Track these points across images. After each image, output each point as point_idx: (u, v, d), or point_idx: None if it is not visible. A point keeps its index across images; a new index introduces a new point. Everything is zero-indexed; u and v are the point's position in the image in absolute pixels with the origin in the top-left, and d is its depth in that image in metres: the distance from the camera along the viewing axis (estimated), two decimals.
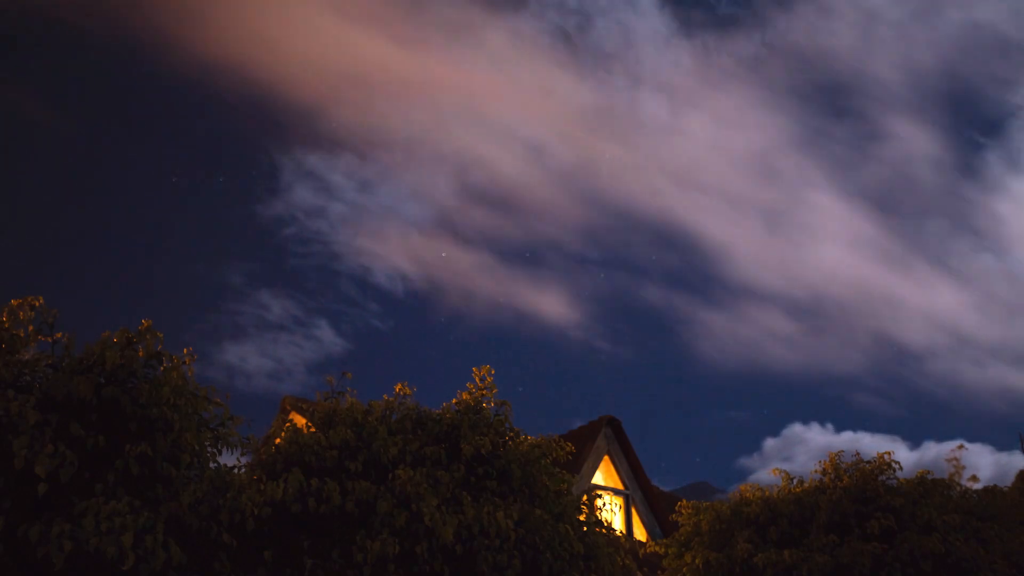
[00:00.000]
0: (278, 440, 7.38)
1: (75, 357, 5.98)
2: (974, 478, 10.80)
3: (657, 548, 11.49)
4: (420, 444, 7.33)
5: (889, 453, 10.55)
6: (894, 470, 10.40)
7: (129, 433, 5.82)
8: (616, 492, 16.33)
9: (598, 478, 16.30)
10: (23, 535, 5.04)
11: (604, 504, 8.89)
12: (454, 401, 8.09)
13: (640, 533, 16.26)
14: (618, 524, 15.86)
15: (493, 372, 8.23)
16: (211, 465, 6.44)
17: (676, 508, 11.48)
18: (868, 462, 10.55)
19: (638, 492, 16.67)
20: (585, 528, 7.74)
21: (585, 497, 8.16)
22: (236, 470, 6.70)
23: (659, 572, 11.30)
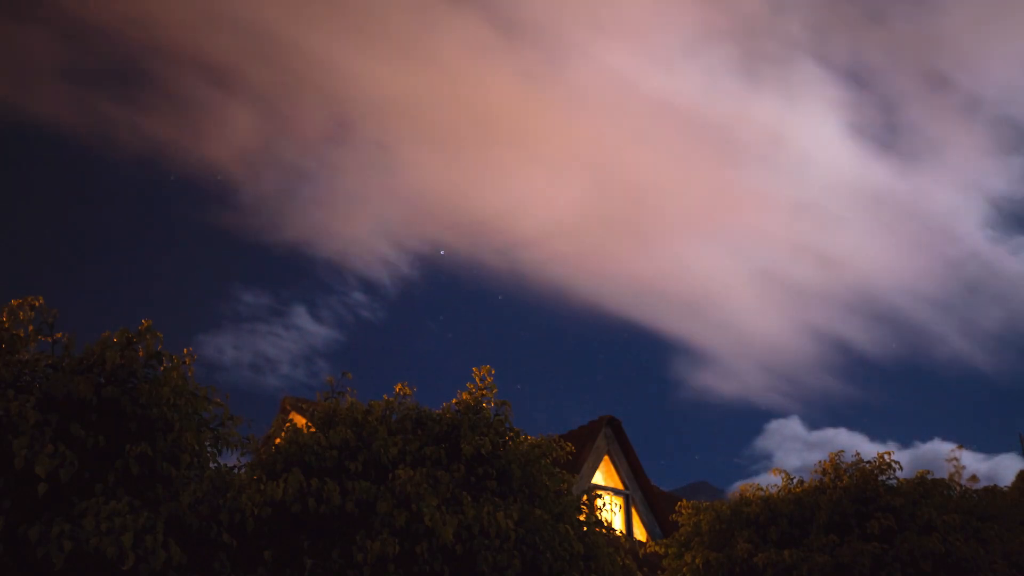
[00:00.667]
0: (278, 440, 7.38)
1: (75, 357, 5.99)
2: (974, 478, 10.82)
3: (657, 548, 11.50)
4: (420, 444, 7.33)
5: (889, 453, 10.57)
6: (894, 470, 10.41)
7: (129, 433, 5.82)
8: (616, 492, 16.34)
9: (598, 478, 16.31)
10: (23, 535, 5.05)
11: (604, 504, 8.89)
12: (454, 401, 8.09)
13: (640, 533, 16.27)
14: (618, 524, 15.87)
15: (493, 372, 8.23)
16: (211, 465, 6.44)
17: (676, 508, 11.49)
18: (868, 462, 10.56)
19: (638, 492, 16.68)
20: (585, 528, 7.74)
21: (585, 497, 8.16)
22: (236, 470, 6.71)
23: (659, 572, 11.30)
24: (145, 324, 6.14)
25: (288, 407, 13.36)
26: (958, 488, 10.57)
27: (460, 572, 6.60)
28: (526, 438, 7.94)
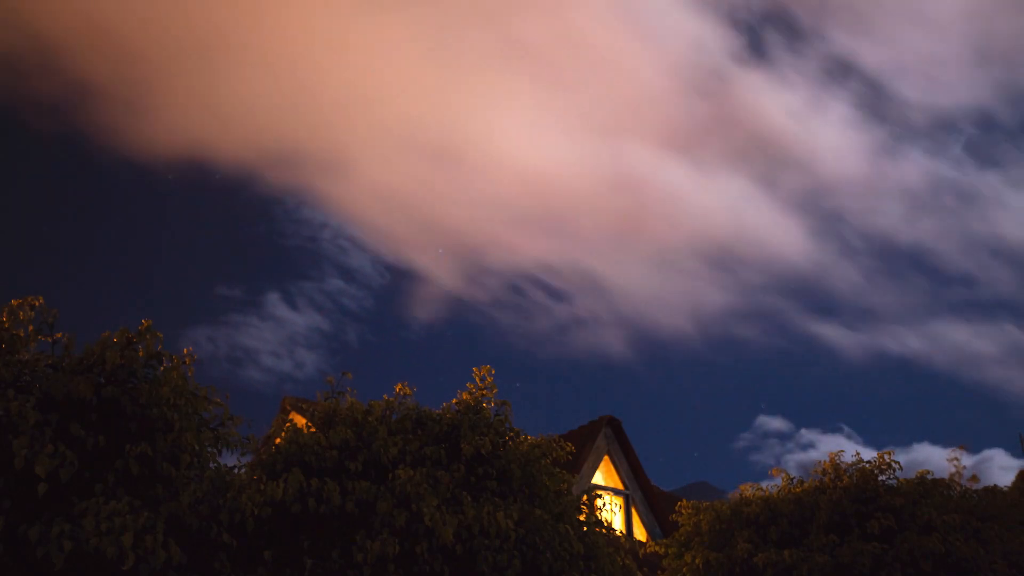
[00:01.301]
0: (278, 440, 7.39)
1: (75, 357, 5.99)
2: (974, 478, 10.82)
3: (657, 548, 11.50)
4: (420, 444, 7.33)
5: (889, 453, 10.58)
6: (894, 470, 10.42)
7: (129, 433, 5.82)
8: (616, 492, 16.34)
9: (598, 478, 16.31)
10: (23, 535, 5.04)
11: (604, 504, 8.89)
12: (454, 401, 8.09)
13: (640, 533, 16.27)
14: (618, 524, 15.87)
15: (493, 372, 8.23)
16: (211, 465, 6.44)
17: (676, 508, 11.49)
18: (868, 462, 10.57)
19: (638, 492, 16.68)
20: (585, 528, 7.74)
21: (585, 497, 8.16)
22: (236, 470, 6.71)
23: (659, 572, 11.30)
24: (145, 324, 6.14)
25: (288, 407, 13.37)
26: (958, 488, 10.57)
27: (460, 572, 6.60)
28: (526, 438, 7.94)
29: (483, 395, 8.09)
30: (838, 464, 10.72)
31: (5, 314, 6.07)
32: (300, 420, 10.18)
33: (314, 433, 7.06)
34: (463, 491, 6.95)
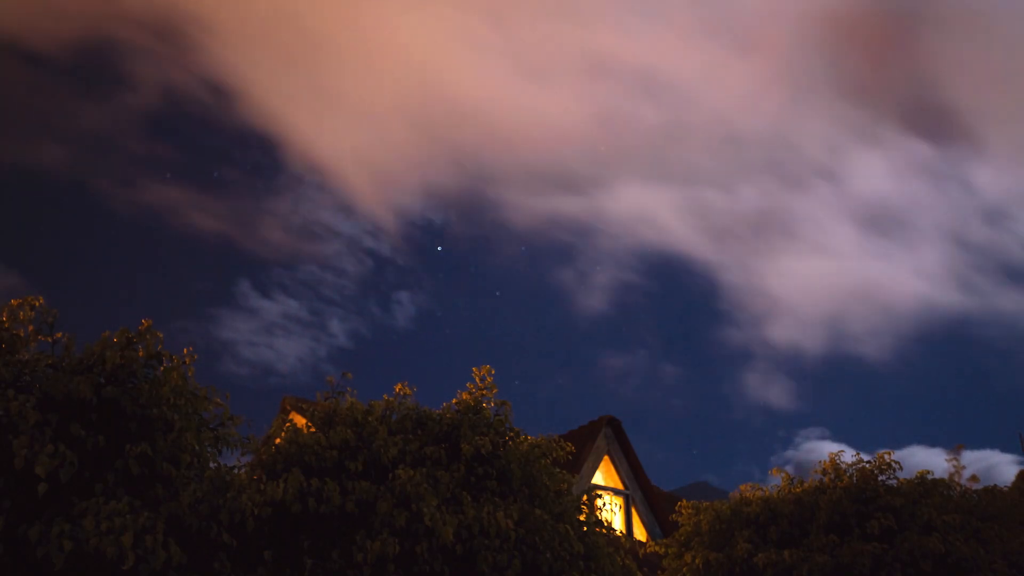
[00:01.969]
0: (278, 440, 7.38)
1: (75, 357, 5.99)
2: (974, 478, 10.83)
3: (657, 548, 11.51)
4: (420, 444, 7.33)
5: (889, 453, 10.58)
6: (894, 470, 10.42)
7: (129, 433, 5.82)
8: (616, 492, 16.35)
9: (598, 478, 16.32)
10: (23, 535, 5.04)
11: (604, 504, 8.89)
12: (454, 401, 8.10)
13: (640, 533, 16.27)
14: (618, 524, 15.88)
15: (493, 372, 8.23)
16: (211, 465, 6.44)
17: (676, 508, 11.50)
18: (868, 462, 10.57)
19: (638, 492, 16.69)
20: (585, 528, 7.74)
21: (585, 497, 8.16)
22: (236, 470, 6.70)
23: (659, 572, 11.30)
24: (145, 324, 6.14)
25: (288, 407, 13.38)
26: (958, 488, 10.57)
27: (460, 572, 6.60)
28: (526, 438, 7.95)
29: (483, 395, 8.10)
30: (838, 464, 10.73)
31: (5, 314, 6.08)
32: (300, 420, 10.18)
33: (314, 433, 7.06)
34: (463, 491, 6.96)
